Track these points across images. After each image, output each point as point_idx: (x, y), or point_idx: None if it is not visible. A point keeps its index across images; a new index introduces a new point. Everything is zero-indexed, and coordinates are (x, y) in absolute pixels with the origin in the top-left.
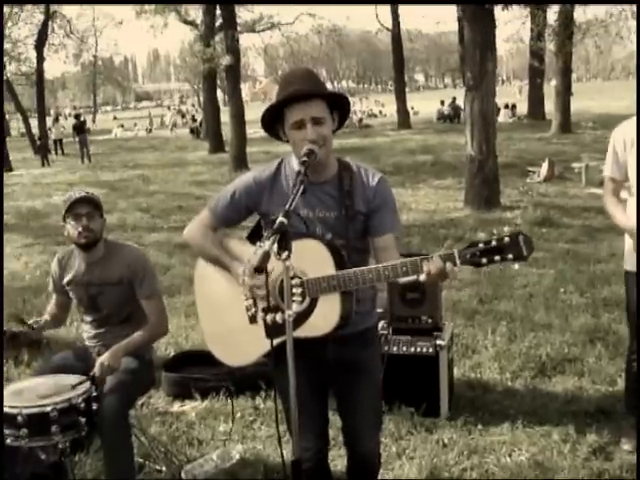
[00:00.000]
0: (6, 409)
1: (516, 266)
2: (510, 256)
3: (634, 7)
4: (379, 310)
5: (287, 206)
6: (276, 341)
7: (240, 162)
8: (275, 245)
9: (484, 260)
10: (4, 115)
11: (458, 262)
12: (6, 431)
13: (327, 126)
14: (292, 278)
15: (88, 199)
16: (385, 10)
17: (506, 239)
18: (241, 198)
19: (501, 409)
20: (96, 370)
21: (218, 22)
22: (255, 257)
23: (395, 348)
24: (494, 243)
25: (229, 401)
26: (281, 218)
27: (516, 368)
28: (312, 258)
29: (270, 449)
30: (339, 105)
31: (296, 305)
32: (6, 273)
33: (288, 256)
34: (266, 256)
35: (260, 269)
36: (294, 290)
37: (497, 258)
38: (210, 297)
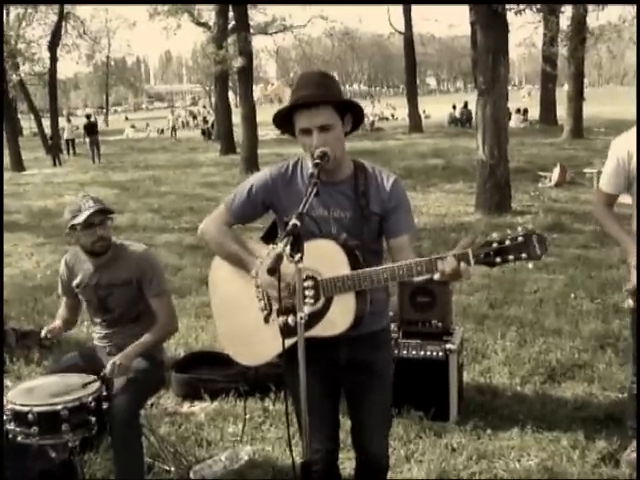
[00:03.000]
0: (17, 407)
1: (530, 265)
2: (524, 255)
3: None
4: (390, 313)
5: (300, 208)
6: (290, 341)
7: (251, 164)
8: (288, 247)
9: (498, 259)
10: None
11: (472, 262)
12: (17, 429)
13: (335, 131)
14: (306, 279)
15: (101, 209)
16: (397, 13)
17: (520, 238)
18: (258, 194)
19: (510, 414)
20: (107, 370)
21: (231, 24)
22: (268, 259)
23: (405, 352)
24: (508, 242)
25: (239, 402)
26: (294, 220)
27: (526, 373)
28: (327, 258)
29: (279, 451)
30: (349, 108)
31: (311, 305)
32: (17, 272)
33: (300, 258)
34: (279, 258)
35: (273, 270)
36: (306, 292)
37: (511, 257)
38: (225, 297)
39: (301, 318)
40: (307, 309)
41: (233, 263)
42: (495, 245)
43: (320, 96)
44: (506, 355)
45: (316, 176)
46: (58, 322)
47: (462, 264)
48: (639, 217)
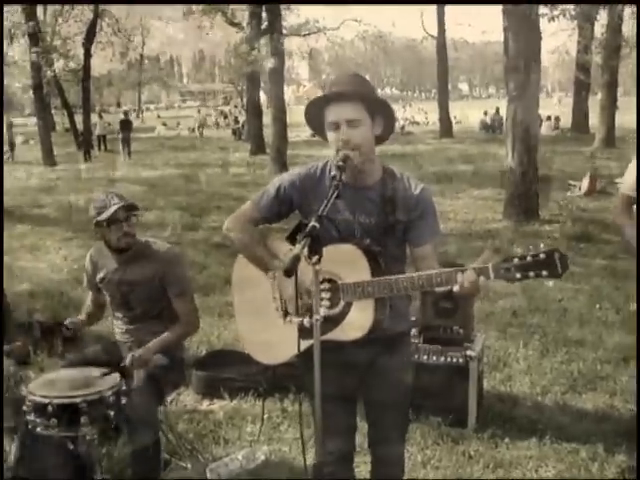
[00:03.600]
0: (37, 398)
1: (550, 283)
2: (545, 273)
3: None
4: (412, 318)
5: (320, 211)
6: (308, 343)
7: (280, 165)
8: (306, 249)
9: (518, 275)
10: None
11: (492, 276)
12: (36, 420)
13: (363, 129)
14: (323, 282)
15: (127, 205)
16: (431, 18)
17: (541, 255)
18: (286, 194)
19: (529, 424)
20: (127, 361)
21: (264, 25)
22: (285, 260)
23: (425, 357)
24: (529, 259)
25: (257, 402)
26: (313, 222)
27: (547, 383)
28: (349, 263)
29: (296, 452)
30: (380, 109)
31: (329, 308)
32: (45, 266)
33: (318, 260)
34: (296, 259)
35: (290, 272)
36: (323, 295)
37: (531, 274)
38: (247, 295)
39: (316, 320)
40: (322, 311)
41: (254, 262)
42: (516, 261)
43: (351, 90)
44: (527, 364)
45: (338, 179)
46: (83, 316)
47: (481, 278)
48: (639, 221)
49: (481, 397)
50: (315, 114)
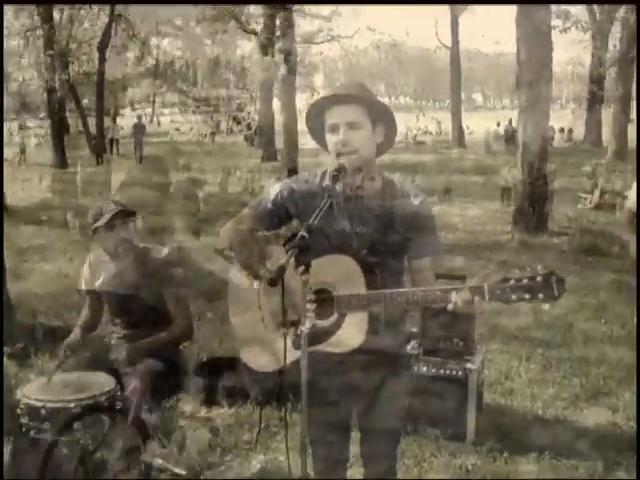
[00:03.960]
0: (31, 402)
1: (546, 306)
2: (540, 296)
3: None
4: (413, 329)
5: (311, 220)
6: (298, 353)
7: (291, 172)
8: (292, 259)
9: (513, 297)
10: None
11: (487, 297)
12: (30, 423)
13: (363, 132)
14: (316, 292)
15: (122, 211)
16: (445, 28)
17: (538, 278)
18: (283, 201)
19: (529, 438)
20: (116, 357)
21: (278, 32)
22: (271, 270)
23: (425, 368)
24: (525, 281)
25: (255, 410)
26: (302, 232)
27: (548, 397)
28: (344, 274)
29: (292, 461)
30: (382, 116)
31: (321, 320)
32: (51, 268)
33: (306, 270)
34: (281, 270)
35: (274, 282)
36: (310, 306)
37: (527, 296)
38: (241, 302)
39: (302, 331)
40: (309, 322)
41: (244, 268)
42: (512, 282)
43: (353, 93)
44: (529, 378)
45: (331, 188)
46: (78, 331)
47: (476, 298)
48: (639, 224)
49: (480, 410)
50: (316, 119)
